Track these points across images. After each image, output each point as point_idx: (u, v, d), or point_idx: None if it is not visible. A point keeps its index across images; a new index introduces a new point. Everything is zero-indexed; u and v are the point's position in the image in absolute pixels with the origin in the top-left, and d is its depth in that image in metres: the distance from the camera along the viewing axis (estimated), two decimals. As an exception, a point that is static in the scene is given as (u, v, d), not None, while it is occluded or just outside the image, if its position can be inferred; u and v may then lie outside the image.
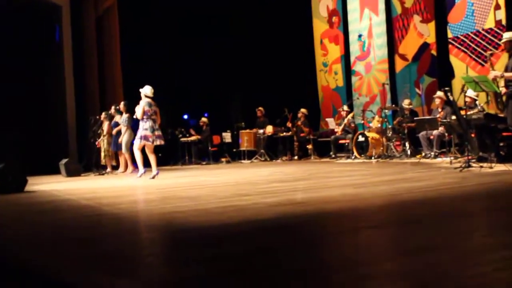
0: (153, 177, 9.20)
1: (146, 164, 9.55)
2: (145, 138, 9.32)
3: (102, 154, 13.24)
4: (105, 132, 13.12)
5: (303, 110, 15.19)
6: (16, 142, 13.98)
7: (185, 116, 19.66)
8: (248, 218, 3.89)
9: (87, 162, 13.31)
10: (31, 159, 14.95)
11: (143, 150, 9.53)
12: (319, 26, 16.55)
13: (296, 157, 15.05)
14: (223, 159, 15.88)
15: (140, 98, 9.55)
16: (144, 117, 9.36)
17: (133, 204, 5.27)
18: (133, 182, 8.71)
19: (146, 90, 9.54)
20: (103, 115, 13.26)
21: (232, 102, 18.11)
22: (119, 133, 12.73)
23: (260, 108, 16.01)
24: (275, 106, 15.62)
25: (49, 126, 15.68)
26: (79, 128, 15.29)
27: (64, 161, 12.14)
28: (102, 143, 13.18)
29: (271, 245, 2.90)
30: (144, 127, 9.35)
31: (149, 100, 9.46)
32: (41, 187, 8.47)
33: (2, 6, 14.65)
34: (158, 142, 9.54)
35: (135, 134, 13.11)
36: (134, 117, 9.63)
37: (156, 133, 9.46)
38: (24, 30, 15.35)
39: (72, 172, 11.93)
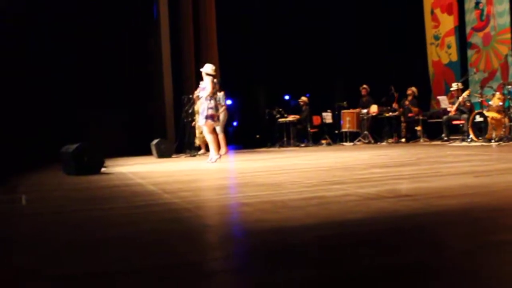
0: (215, 161, 8.48)
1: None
2: (212, 117, 8.53)
3: (197, 134, 12.53)
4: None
5: (412, 88, 13.69)
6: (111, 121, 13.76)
7: (286, 97, 18.80)
8: (332, 218, 2.82)
9: (180, 143, 12.70)
10: (129, 139, 14.73)
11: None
12: (430, -5, 14.89)
13: (403, 140, 13.62)
14: (323, 141, 14.78)
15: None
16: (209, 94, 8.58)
17: (199, 192, 4.36)
18: (218, 166, 7.86)
19: (208, 69, 8.81)
20: (196, 93, 12.53)
21: (334, 80, 16.89)
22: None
23: (365, 86, 14.66)
24: (381, 83, 14.24)
25: (147, 105, 15.35)
26: (176, 107, 14.74)
27: (155, 141, 11.57)
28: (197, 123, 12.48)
29: (352, 270, 1.83)
30: (209, 106, 8.56)
31: (212, 78, 8.68)
32: (121, 169, 7.84)
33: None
34: (218, 122, 9.10)
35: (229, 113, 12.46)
36: (204, 95, 8.72)
37: (218, 112, 8.88)
38: (122, 8, 15.05)
39: (163, 153, 11.34)
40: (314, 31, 16.53)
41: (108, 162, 9.43)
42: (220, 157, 8.80)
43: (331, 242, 2.28)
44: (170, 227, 2.83)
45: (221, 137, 11.69)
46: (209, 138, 8.67)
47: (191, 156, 11.61)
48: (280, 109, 15.11)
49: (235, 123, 20.11)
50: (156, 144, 11.45)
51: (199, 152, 12.17)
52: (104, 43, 14.68)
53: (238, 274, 1.90)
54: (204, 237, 2.58)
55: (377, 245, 2.20)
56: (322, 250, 2.15)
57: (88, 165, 6.95)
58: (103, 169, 7.34)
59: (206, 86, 8.64)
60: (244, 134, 18.27)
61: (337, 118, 14.94)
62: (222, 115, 11.49)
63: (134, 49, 15.36)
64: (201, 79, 8.98)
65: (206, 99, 8.62)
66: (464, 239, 2.23)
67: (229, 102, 19.87)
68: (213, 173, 6.53)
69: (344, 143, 14.46)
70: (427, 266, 1.83)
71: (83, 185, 5.51)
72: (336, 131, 15.08)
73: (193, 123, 12.47)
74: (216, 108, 8.75)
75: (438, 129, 12.70)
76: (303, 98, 15.12)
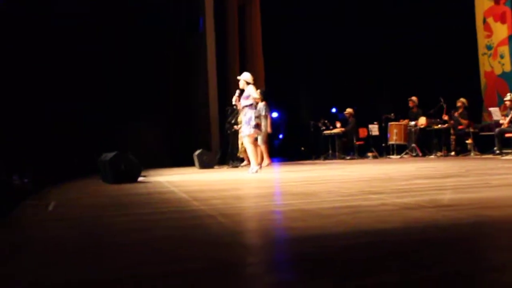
0: (256, 172, 8.28)
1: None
2: (258, 127, 8.35)
3: (240, 146, 12.38)
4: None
5: (462, 99, 13.20)
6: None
7: (333, 109, 18.52)
8: (362, 227, 2.59)
9: (222, 154, 12.61)
10: (173, 150, 14.73)
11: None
12: (482, 3, 14.38)
13: (452, 153, 13.13)
14: (370, 154, 14.43)
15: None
16: (253, 103, 8.39)
17: (230, 200, 4.17)
18: (258, 176, 7.67)
19: (247, 76, 8.70)
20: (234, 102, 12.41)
21: (381, 91, 16.51)
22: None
23: (413, 98, 14.24)
24: (430, 95, 13.81)
25: (193, 116, 15.33)
26: (221, 118, 14.64)
27: (197, 152, 11.49)
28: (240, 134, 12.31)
29: (377, 283, 1.60)
30: (255, 114, 8.37)
31: (253, 86, 8.60)
32: (159, 178, 7.77)
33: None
34: (261, 132, 9.14)
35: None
36: (247, 104, 8.51)
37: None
38: (168, 20, 15.16)
39: (205, 163, 11.26)
40: (361, 41, 16.24)
41: (148, 172, 9.42)
42: (260, 168, 8.61)
43: (358, 252, 2.05)
44: (186, 233, 2.66)
45: (263, 148, 11.54)
46: (250, 149, 8.49)
47: (233, 167, 11.49)
48: (326, 121, 14.86)
49: (280, 136, 19.90)
50: (198, 154, 11.39)
51: (242, 164, 12.02)
52: (149, 52, 14.75)
53: (250, 279, 1.70)
54: (219, 243, 2.38)
55: (409, 255, 1.96)
56: (346, 260, 1.93)
57: (125, 173, 6.88)
58: (140, 178, 7.27)
59: (250, 94, 8.47)
60: (289, 147, 18.08)
61: (384, 130, 14.56)
62: (263, 126, 11.34)
63: (179, 59, 15.39)
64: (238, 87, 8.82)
65: (251, 108, 8.45)
66: (506, 251, 1.97)
67: (275, 114, 19.76)
68: (250, 183, 6.35)
69: (391, 156, 14.08)
70: (464, 278, 1.59)
71: (115, 193, 5.42)
72: (383, 144, 14.70)
73: (236, 127, 12.34)
74: (259, 117, 8.64)
75: (490, 142, 12.18)
76: (349, 110, 14.86)
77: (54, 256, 2.21)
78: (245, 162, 12.10)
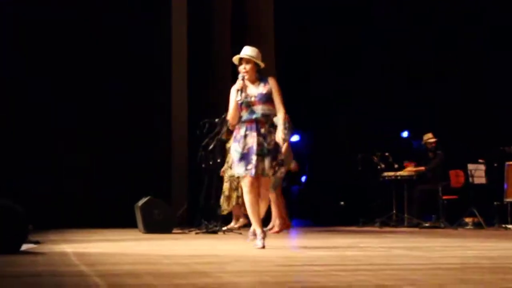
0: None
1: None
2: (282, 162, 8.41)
3: (224, 192, 12.33)
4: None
5: None
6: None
7: (405, 133, 18.69)
8: None
9: (188, 207, 12.66)
10: (107, 199, 14.70)
11: None
12: None
13: None
14: (468, 219, 14.40)
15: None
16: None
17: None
18: (256, 252, 7.58)
19: (257, 55, 8.20)
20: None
21: (492, 106, 16.63)
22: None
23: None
24: None
25: (144, 138, 15.41)
26: (191, 142, 14.63)
27: (142, 202, 11.38)
28: (227, 171, 12.25)
29: None
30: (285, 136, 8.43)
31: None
32: (67, 247, 7.88)
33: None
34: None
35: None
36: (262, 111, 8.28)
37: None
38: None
39: (156, 223, 11.15)
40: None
41: (49, 235, 9.42)
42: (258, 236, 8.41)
43: None
44: None
45: (272, 198, 11.43)
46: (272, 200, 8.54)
47: (209, 231, 11.39)
48: (386, 154, 14.86)
49: (303, 178, 19.98)
50: (144, 206, 11.30)
51: (231, 226, 11.99)
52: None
53: None
54: None
55: None
56: None
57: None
58: (28, 246, 7.33)
59: (266, 91, 8.04)
60: (317, 199, 18.13)
61: (497, 176, 14.56)
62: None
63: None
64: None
65: (282, 122, 8.14)
66: None
67: (295, 138, 19.84)
68: (233, 264, 6.30)
69: (509, 226, 14.05)
70: None
71: None
72: (495, 202, 14.68)
73: (222, 172, 12.36)
74: None
75: None
76: (429, 136, 14.86)
77: None
78: (232, 223, 12.10)
